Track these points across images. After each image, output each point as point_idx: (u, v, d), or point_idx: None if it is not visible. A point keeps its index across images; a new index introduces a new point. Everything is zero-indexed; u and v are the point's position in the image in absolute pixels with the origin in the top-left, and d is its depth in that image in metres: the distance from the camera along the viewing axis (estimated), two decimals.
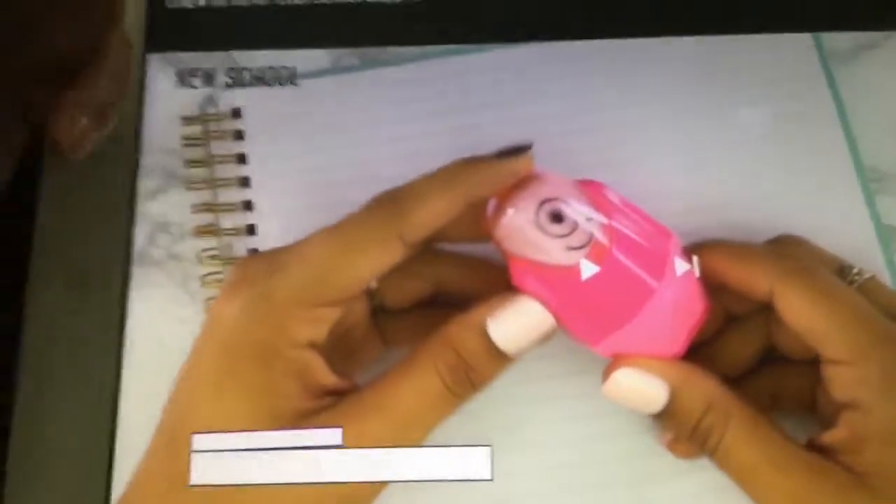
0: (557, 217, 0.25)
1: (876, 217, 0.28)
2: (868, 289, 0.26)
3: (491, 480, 0.25)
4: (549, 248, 0.25)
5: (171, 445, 0.25)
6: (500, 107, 0.30)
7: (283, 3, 0.32)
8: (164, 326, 0.28)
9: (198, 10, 0.32)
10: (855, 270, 0.26)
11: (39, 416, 0.27)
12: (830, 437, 0.24)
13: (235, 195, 0.30)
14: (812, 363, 0.25)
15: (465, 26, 0.32)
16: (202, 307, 0.28)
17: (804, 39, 0.31)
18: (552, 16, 0.31)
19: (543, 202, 0.25)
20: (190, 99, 0.31)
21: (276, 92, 0.31)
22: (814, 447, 0.24)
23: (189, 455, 0.24)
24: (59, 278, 0.28)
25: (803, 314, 0.25)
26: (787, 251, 0.27)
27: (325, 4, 0.32)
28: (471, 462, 0.25)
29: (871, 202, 0.29)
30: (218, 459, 0.24)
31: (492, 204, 0.26)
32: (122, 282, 0.28)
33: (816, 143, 0.30)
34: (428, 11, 0.32)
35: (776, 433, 0.24)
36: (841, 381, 0.24)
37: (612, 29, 0.31)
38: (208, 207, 0.30)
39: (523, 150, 0.26)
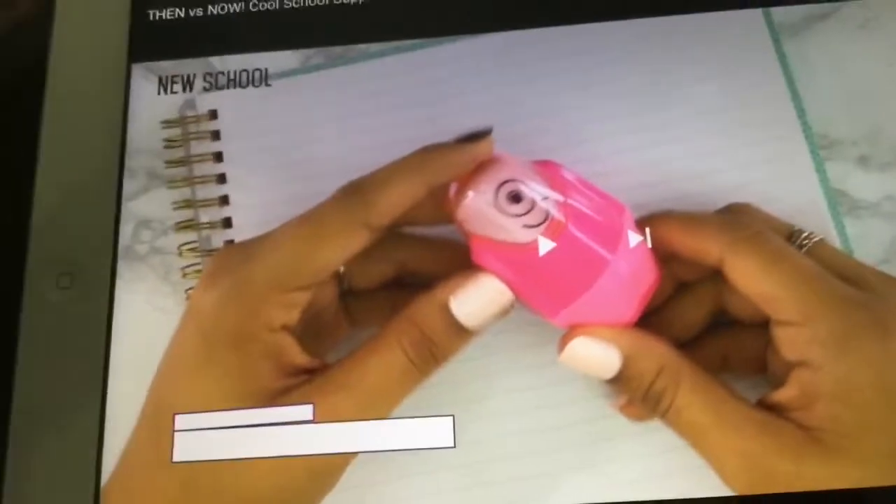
0: (515, 197, 0.26)
1: (825, 182, 0.29)
2: (817, 251, 0.26)
3: (454, 448, 0.26)
4: (508, 227, 0.26)
5: (155, 426, 0.26)
6: (459, 96, 0.31)
7: (254, 9, 0.34)
8: (148, 316, 0.29)
9: (177, 21, 0.34)
10: (804, 234, 0.27)
11: (35, 400, 0.28)
12: (781, 395, 0.25)
13: (213, 191, 0.32)
14: (762, 326, 0.26)
15: (421, 22, 0.33)
16: (183, 297, 0.30)
17: (754, 15, 0.31)
18: (504, 7, 0.33)
19: (502, 184, 0.26)
20: (170, 103, 0.33)
21: (250, 92, 0.32)
22: (765, 406, 0.25)
23: (172, 434, 0.26)
24: (52, 274, 0.30)
25: (753, 279, 0.25)
26: (736, 219, 0.28)
27: (293, 8, 0.34)
28: (434, 432, 0.26)
29: (820, 168, 0.29)
30: (199, 438, 0.26)
31: (453, 187, 0.27)
32: (109, 276, 0.30)
33: (765, 114, 0.30)
34: (389, 9, 0.33)
35: (726, 394, 0.25)
36: (791, 342, 0.25)
37: (564, 15, 0.32)
38: (188, 204, 0.31)
39: (482, 135, 0.27)
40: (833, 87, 0.30)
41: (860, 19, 0.31)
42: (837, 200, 0.28)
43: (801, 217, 0.27)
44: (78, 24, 0.34)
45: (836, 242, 0.28)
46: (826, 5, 0.31)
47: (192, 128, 0.32)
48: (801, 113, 0.30)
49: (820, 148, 0.29)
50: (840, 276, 0.25)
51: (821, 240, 0.27)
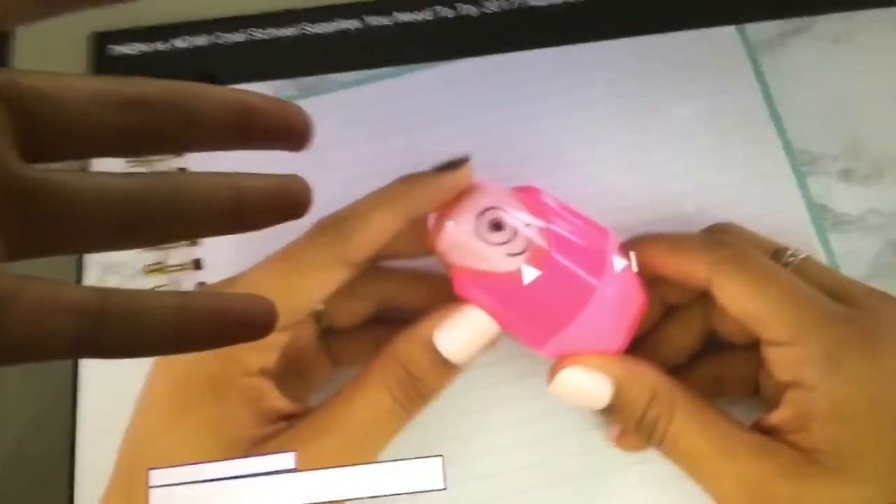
0: (497, 225, 0.26)
1: (808, 198, 0.29)
2: (804, 269, 0.26)
3: (444, 489, 0.25)
4: (490, 256, 0.25)
5: (130, 482, 0.25)
6: (438, 124, 0.31)
7: (222, 41, 0.33)
8: (116, 367, 0.28)
9: (140, 56, 0.33)
10: (790, 252, 0.27)
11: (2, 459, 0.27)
12: (776, 417, 0.24)
13: None
14: (753, 347, 0.26)
15: (396, 49, 0.32)
16: None
17: (729, 32, 0.31)
18: (481, 32, 0.32)
19: (482, 212, 0.26)
20: None
21: None
22: (760, 429, 0.25)
23: (147, 490, 0.25)
24: None
25: (741, 299, 0.25)
26: (721, 239, 0.27)
27: (262, 40, 0.33)
28: (424, 473, 0.25)
29: (802, 184, 0.29)
30: (175, 493, 0.25)
31: (432, 218, 0.27)
32: None
33: (746, 132, 0.30)
34: (360, 38, 0.33)
35: (721, 418, 0.25)
36: (783, 362, 0.25)
37: (540, 39, 0.32)
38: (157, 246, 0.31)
39: (461, 163, 0.26)
40: (811, 102, 0.30)
41: (834, 33, 0.31)
42: (821, 216, 0.28)
43: (787, 234, 0.27)
44: (36, 59, 0.32)
45: (822, 258, 0.28)
46: (800, 20, 0.31)
47: (160, 165, 0.31)
48: (780, 130, 0.30)
49: (801, 164, 0.29)
50: (827, 293, 0.25)
51: (807, 257, 0.27)
